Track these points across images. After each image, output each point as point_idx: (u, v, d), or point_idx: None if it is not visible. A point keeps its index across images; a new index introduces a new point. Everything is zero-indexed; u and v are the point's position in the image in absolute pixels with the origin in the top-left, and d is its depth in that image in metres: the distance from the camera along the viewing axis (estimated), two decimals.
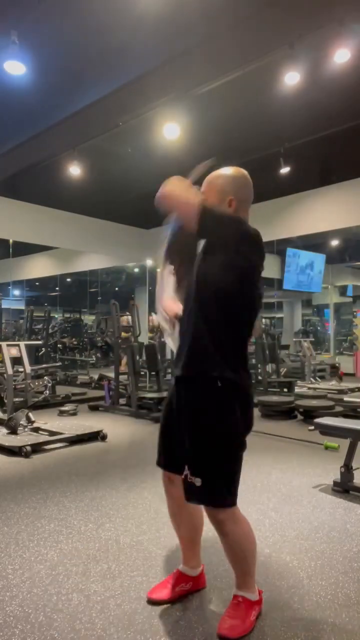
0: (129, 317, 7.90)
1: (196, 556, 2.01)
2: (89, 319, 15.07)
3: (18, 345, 5.90)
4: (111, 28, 3.98)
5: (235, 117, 5.81)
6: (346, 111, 5.56)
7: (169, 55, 4.34)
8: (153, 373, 7.22)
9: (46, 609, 1.90)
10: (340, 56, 4.17)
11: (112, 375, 7.12)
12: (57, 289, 14.13)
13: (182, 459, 1.72)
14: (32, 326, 10.94)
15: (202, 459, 1.68)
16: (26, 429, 4.87)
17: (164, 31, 3.98)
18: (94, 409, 6.70)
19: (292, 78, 4.46)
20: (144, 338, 8.53)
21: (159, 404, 6.12)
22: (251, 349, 8.20)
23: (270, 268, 11.61)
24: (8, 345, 5.78)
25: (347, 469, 3.24)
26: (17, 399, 5.83)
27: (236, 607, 1.76)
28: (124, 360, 7.04)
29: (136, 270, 12.95)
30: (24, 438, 4.54)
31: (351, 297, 14.28)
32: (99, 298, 14.12)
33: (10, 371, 5.59)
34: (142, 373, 7.62)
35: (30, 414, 4.99)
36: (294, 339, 12.36)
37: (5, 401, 5.74)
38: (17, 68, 4.28)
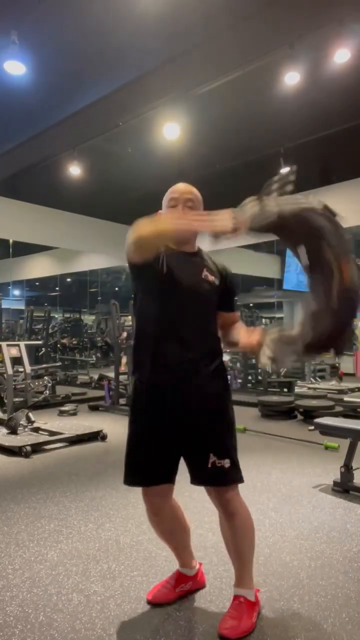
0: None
1: (190, 556, 2.02)
2: (89, 319, 15.07)
3: (18, 345, 5.90)
4: (111, 28, 3.97)
5: (235, 117, 5.81)
6: (346, 111, 5.55)
7: (169, 55, 4.34)
8: None
9: (46, 609, 1.90)
10: (340, 56, 4.17)
11: (112, 375, 7.12)
12: (57, 289, 14.14)
13: (201, 449, 1.73)
14: (32, 326, 10.94)
15: (226, 440, 1.75)
16: (26, 429, 4.87)
17: (164, 31, 3.98)
18: (94, 409, 6.70)
19: (292, 78, 4.46)
20: None
21: None
22: None
23: (270, 268, 11.64)
24: (8, 345, 5.78)
25: (347, 469, 3.24)
26: (17, 399, 5.83)
27: (238, 608, 1.76)
28: (124, 360, 7.04)
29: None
30: (24, 438, 4.55)
31: None
32: (99, 298, 14.12)
33: (10, 371, 5.59)
34: None
35: (30, 414, 4.99)
36: None
37: (5, 401, 5.75)
38: (17, 68, 4.28)
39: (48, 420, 5.27)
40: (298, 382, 8.02)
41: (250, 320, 8.43)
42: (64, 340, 13.00)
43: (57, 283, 13.76)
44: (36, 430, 4.88)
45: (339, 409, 5.71)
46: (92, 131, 5.93)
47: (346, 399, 6.14)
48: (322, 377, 9.02)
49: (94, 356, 13.11)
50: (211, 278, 1.81)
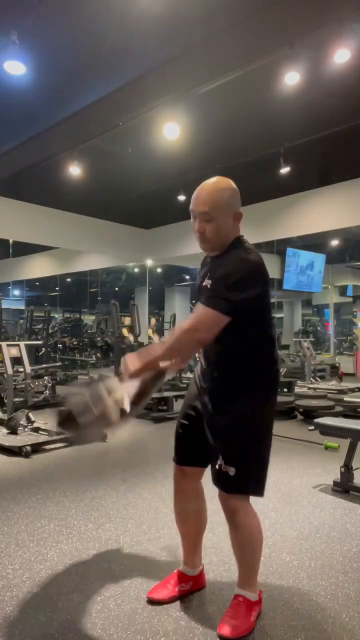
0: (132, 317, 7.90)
1: (198, 554, 2.02)
2: (89, 319, 15.06)
3: (18, 345, 5.90)
4: (111, 28, 3.97)
5: (235, 117, 5.81)
6: (346, 111, 5.55)
7: (169, 55, 4.33)
8: None
9: (46, 609, 1.90)
10: (340, 56, 4.16)
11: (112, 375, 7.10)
12: (57, 289, 14.13)
13: (213, 450, 1.77)
14: (32, 326, 10.93)
15: (236, 448, 1.74)
16: (26, 429, 4.87)
17: (164, 31, 3.98)
18: None
19: (292, 78, 4.46)
20: (144, 338, 8.53)
21: (159, 404, 6.12)
22: None
23: (270, 268, 11.62)
24: (8, 345, 5.78)
25: (347, 469, 3.24)
26: (17, 399, 5.83)
27: (237, 607, 1.76)
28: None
29: (136, 270, 12.94)
30: (24, 438, 4.55)
31: (351, 297, 14.27)
32: (99, 298, 14.12)
33: (10, 371, 5.58)
34: None
35: (30, 414, 4.99)
36: (294, 339, 12.36)
37: (5, 401, 5.74)
38: (17, 68, 4.27)
39: (48, 420, 5.27)
40: (298, 382, 8.02)
41: None
42: (64, 340, 13.00)
43: (57, 283, 13.75)
44: (36, 430, 4.88)
45: (339, 409, 5.71)
46: (92, 131, 5.93)
47: (346, 399, 6.14)
48: (322, 377, 9.02)
49: (94, 356, 13.11)
50: (206, 283, 1.70)
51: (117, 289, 15.27)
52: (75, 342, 13.33)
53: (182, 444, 1.94)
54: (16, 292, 13.65)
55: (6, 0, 3.72)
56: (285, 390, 7.58)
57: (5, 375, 5.63)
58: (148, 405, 6.16)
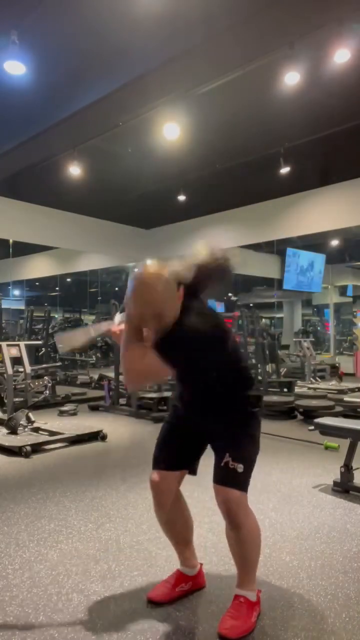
0: None
1: (193, 555, 2.02)
2: (89, 319, 15.06)
3: (18, 345, 5.90)
4: (111, 28, 3.97)
5: (235, 117, 5.81)
6: (346, 111, 5.55)
7: (169, 55, 4.33)
8: None
9: (46, 609, 1.90)
10: (340, 56, 4.16)
11: (112, 375, 7.12)
12: (57, 289, 14.13)
13: (218, 448, 1.79)
14: (32, 326, 10.93)
15: (241, 446, 1.78)
16: (26, 429, 4.87)
17: (164, 31, 3.97)
18: (94, 409, 6.69)
19: (292, 78, 4.46)
20: None
21: (159, 404, 6.12)
22: (251, 349, 8.21)
23: (270, 268, 11.63)
24: (8, 345, 5.78)
25: (347, 469, 3.24)
26: (17, 399, 5.83)
27: (238, 607, 1.76)
28: None
29: (136, 270, 12.92)
30: (24, 438, 4.55)
31: (351, 297, 14.28)
32: (99, 298, 14.12)
33: (10, 371, 5.58)
34: None
35: (30, 414, 4.99)
36: (294, 339, 12.35)
37: (5, 401, 5.74)
38: (17, 68, 4.27)
39: (48, 420, 5.27)
40: (298, 382, 8.02)
41: (250, 320, 8.41)
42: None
43: (57, 283, 13.75)
44: (36, 430, 4.88)
45: (339, 409, 5.71)
46: (92, 131, 5.92)
47: (346, 399, 6.15)
48: (322, 377, 9.02)
49: (93, 356, 13.11)
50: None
51: (117, 289, 15.26)
52: None
53: (170, 448, 1.97)
54: (16, 292, 13.65)
55: (6, 0, 3.72)
56: (286, 390, 7.59)
57: (5, 375, 5.63)
58: (148, 405, 6.18)
